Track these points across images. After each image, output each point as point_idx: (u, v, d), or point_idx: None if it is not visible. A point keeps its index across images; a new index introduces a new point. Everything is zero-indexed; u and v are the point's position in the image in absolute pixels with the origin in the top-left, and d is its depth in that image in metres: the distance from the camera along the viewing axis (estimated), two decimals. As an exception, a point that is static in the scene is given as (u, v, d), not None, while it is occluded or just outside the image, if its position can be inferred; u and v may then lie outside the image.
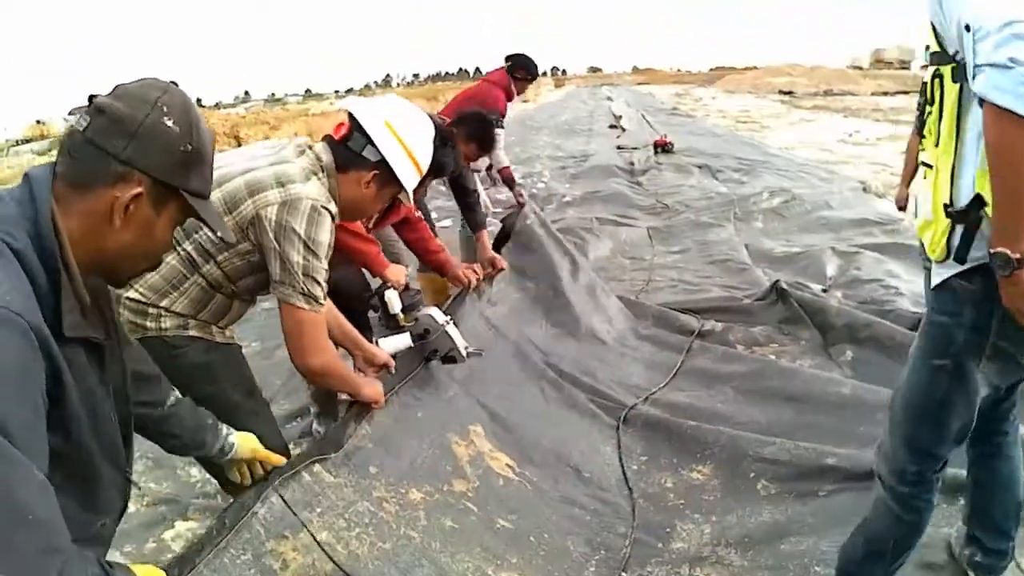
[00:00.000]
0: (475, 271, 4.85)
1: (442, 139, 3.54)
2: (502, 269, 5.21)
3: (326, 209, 2.55)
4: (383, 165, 2.66)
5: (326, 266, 2.58)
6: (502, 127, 6.69)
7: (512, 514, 3.14)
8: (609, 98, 41.03)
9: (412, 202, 2.91)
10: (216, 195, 2.41)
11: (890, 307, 5.41)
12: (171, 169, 1.53)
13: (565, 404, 4.16)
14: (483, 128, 5.21)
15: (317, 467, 2.60)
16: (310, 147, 2.73)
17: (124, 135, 1.46)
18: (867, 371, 4.49)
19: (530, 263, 5.54)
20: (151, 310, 2.60)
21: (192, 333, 2.69)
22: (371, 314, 4.09)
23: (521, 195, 7.09)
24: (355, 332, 3.25)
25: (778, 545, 3.07)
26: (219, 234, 1.69)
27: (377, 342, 3.42)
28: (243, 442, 2.39)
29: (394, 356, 3.36)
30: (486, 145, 5.29)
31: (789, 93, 35.21)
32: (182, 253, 2.58)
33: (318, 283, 2.56)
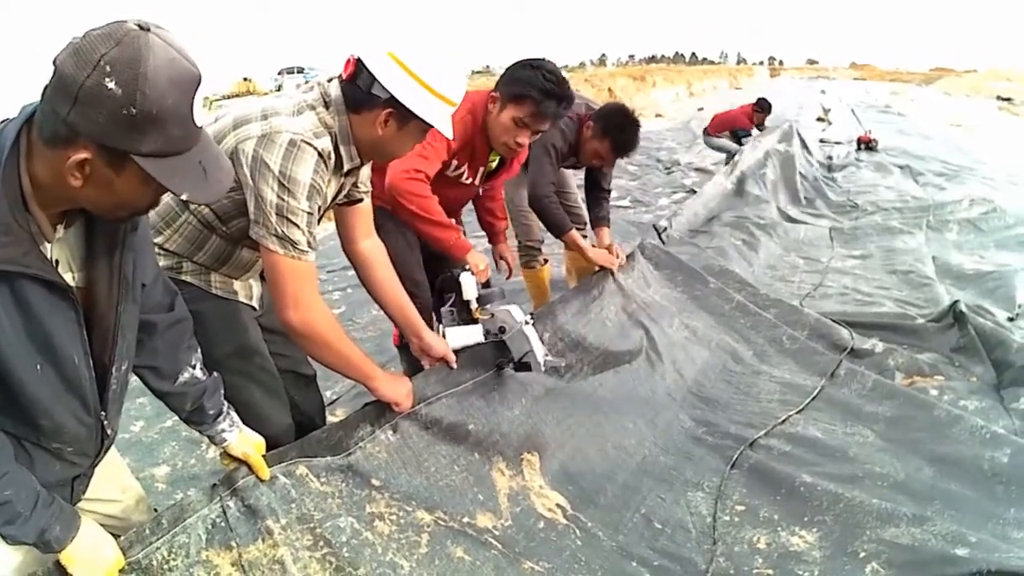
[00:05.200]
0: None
1: (557, 93, 3.31)
2: (621, 266, 4.69)
3: (308, 144, 2.25)
4: (396, 102, 2.28)
5: (308, 208, 2.29)
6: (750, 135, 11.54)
7: (546, 561, 2.63)
8: (822, 91, 39.62)
9: (452, 135, 2.51)
10: (209, 130, 2.12)
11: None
12: (116, 134, 1.40)
13: (661, 439, 3.58)
14: (623, 127, 4.43)
15: (302, 469, 2.32)
16: (326, 82, 2.44)
17: (68, 98, 1.37)
18: (1041, 427, 3.66)
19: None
20: None
21: (186, 278, 2.53)
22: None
23: None
24: (416, 316, 2.90)
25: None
26: (183, 197, 1.53)
27: (444, 332, 3.06)
28: (240, 441, 2.25)
29: (459, 351, 2.99)
30: (622, 147, 4.48)
31: (1008, 99, 32.83)
32: None
33: (296, 226, 2.27)
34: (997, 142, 17.80)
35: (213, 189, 1.59)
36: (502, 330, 3.04)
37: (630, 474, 3.24)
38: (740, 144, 11.25)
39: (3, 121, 1.50)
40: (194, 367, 2.13)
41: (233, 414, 2.26)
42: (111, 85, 1.34)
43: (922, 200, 9.44)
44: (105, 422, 1.89)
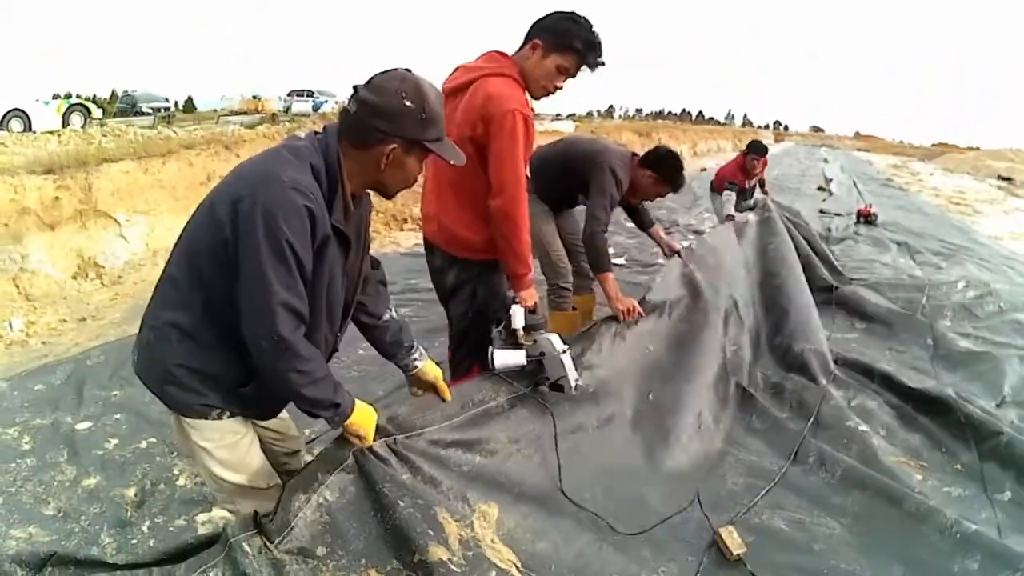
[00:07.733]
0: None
1: None
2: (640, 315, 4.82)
3: None
4: None
5: None
6: (733, 190, 9.82)
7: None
8: (825, 160, 39.61)
9: None
10: None
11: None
12: (413, 130, 2.30)
13: (625, 516, 3.37)
14: (676, 169, 5.29)
15: (258, 540, 2.29)
16: None
17: (380, 116, 2.26)
18: (1024, 520, 3.55)
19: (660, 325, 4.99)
20: None
21: None
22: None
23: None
24: None
25: None
26: (452, 162, 2.44)
27: (493, 353, 3.51)
28: (429, 369, 3.07)
29: (503, 371, 3.50)
30: (677, 187, 5.32)
31: (1008, 179, 33.00)
32: None
33: None
34: (995, 222, 17.84)
35: (461, 157, 2.49)
36: (542, 355, 3.52)
37: (593, 554, 3.05)
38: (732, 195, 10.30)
39: (319, 136, 2.37)
40: (391, 310, 2.94)
41: (421, 348, 3.05)
42: (408, 103, 2.25)
43: (918, 280, 9.30)
44: (339, 336, 2.64)
